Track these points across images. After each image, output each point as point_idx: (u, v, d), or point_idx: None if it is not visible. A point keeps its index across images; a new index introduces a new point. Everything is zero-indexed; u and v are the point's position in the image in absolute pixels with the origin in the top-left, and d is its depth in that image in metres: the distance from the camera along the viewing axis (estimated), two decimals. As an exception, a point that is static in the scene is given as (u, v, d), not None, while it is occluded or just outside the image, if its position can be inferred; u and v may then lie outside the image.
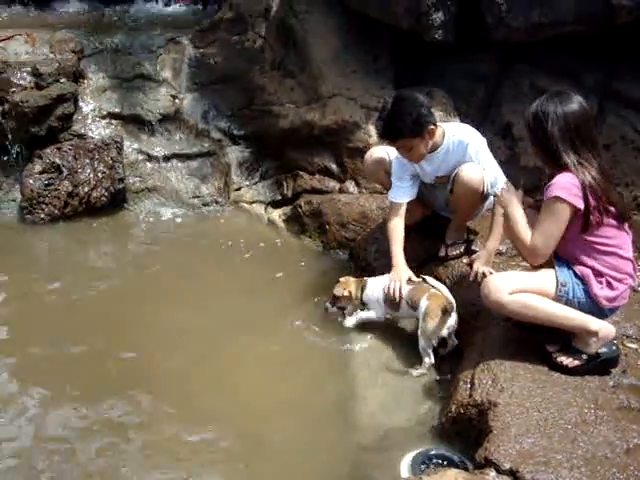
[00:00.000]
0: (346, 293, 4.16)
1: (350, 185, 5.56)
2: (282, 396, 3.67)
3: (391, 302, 4.04)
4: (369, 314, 4.18)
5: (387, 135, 4.08)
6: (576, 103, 3.20)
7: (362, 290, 4.18)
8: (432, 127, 4.01)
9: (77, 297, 4.56)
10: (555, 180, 3.18)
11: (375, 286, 4.16)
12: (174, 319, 4.32)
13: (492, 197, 4.06)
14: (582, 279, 3.26)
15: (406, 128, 3.94)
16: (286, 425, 3.47)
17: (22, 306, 4.48)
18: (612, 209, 3.19)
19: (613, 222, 3.22)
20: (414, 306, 3.89)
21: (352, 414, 3.50)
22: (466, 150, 4.10)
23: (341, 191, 5.58)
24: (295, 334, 4.21)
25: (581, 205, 3.13)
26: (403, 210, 4.29)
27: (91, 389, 3.69)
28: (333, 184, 5.64)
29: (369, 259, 4.77)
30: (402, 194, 4.32)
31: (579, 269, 3.27)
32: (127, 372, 3.86)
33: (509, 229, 3.43)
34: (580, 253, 3.27)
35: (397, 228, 4.24)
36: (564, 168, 3.17)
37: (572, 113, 3.18)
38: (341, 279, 4.25)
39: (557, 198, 3.14)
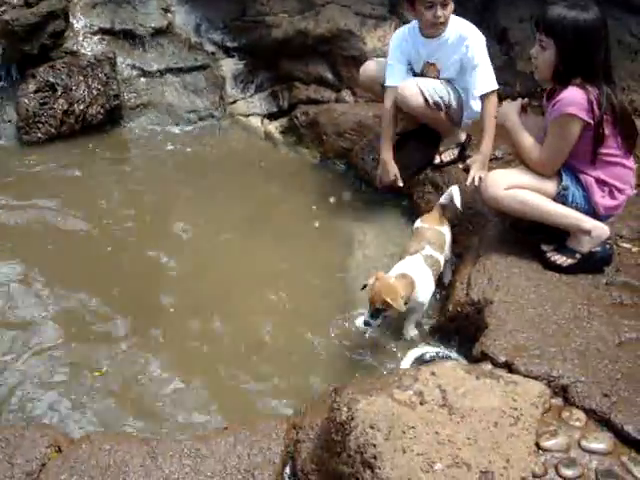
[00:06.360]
0: (396, 299, 3.18)
1: (346, 94, 5.56)
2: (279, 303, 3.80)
3: None
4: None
5: None
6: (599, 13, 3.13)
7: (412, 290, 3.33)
8: None
9: (78, 214, 4.59)
10: (563, 95, 3.16)
11: (425, 280, 3.41)
12: (173, 232, 4.43)
13: (478, 99, 4.12)
14: (585, 187, 3.30)
15: None
16: (290, 327, 3.60)
17: (22, 226, 4.49)
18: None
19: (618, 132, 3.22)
20: None
21: (352, 317, 3.59)
22: (463, 44, 4.11)
23: (337, 100, 5.59)
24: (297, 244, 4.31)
25: (591, 120, 3.12)
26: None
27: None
28: (329, 94, 5.64)
29: (367, 168, 4.80)
30: (397, 76, 4.30)
31: (583, 177, 3.30)
32: (134, 279, 3.98)
33: (514, 145, 3.47)
34: (586, 163, 3.29)
35: (391, 121, 4.32)
36: (570, 82, 3.16)
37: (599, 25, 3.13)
38: (371, 282, 3.24)
39: (569, 115, 3.13)
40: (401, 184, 4.34)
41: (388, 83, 4.32)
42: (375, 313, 3.21)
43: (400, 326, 3.47)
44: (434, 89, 4.19)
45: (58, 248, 4.25)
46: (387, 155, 4.32)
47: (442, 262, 3.57)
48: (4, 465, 2.43)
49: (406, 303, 3.26)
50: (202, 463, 2.44)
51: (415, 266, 3.40)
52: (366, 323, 3.25)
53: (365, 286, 3.26)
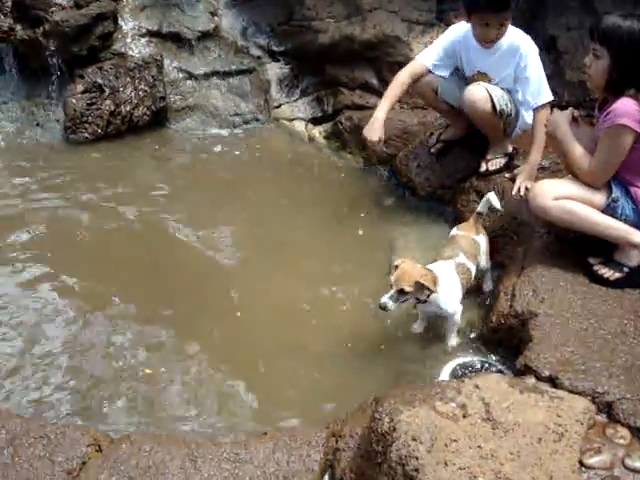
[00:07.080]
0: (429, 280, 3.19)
1: (391, 100, 5.53)
2: (321, 308, 3.80)
3: None
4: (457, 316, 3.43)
5: (502, 6, 3.97)
6: None
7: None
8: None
9: (125, 211, 4.68)
10: (616, 106, 3.12)
11: (451, 287, 3.37)
12: (222, 232, 4.49)
13: (532, 110, 4.07)
14: (635, 199, 3.25)
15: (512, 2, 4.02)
16: (330, 331, 3.59)
17: (70, 224, 4.56)
18: None
19: None
20: None
21: (394, 324, 3.56)
22: (516, 54, 4.06)
23: (382, 107, 5.56)
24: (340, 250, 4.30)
25: None
26: (419, 72, 4.31)
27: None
28: (374, 100, 5.57)
29: (410, 175, 4.76)
30: (431, 57, 4.31)
31: (634, 190, 3.26)
32: (172, 290, 3.96)
33: (564, 155, 3.42)
34: (637, 175, 3.25)
35: (398, 86, 4.29)
36: (623, 93, 3.12)
37: None
38: (398, 263, 3.23)
39: (621, 125, 3.09)
40: (384, 149, 4.24)
41: (420, 57, 4.35)
42: (396, 295, 3.12)
43: (441, 334, 3.45)
44: (502, 96, 4.14)
45: (106, 244, 4.34)
46: (381, 114, 4.22)
47: (473, 272, 3.53)
48: (45, 462, 2.44)
49: (425, 301, 3.25)
50: (241, 468, 2.43)
51: (444, 270, 3.37)
52: (383, 306, 3.13)
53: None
